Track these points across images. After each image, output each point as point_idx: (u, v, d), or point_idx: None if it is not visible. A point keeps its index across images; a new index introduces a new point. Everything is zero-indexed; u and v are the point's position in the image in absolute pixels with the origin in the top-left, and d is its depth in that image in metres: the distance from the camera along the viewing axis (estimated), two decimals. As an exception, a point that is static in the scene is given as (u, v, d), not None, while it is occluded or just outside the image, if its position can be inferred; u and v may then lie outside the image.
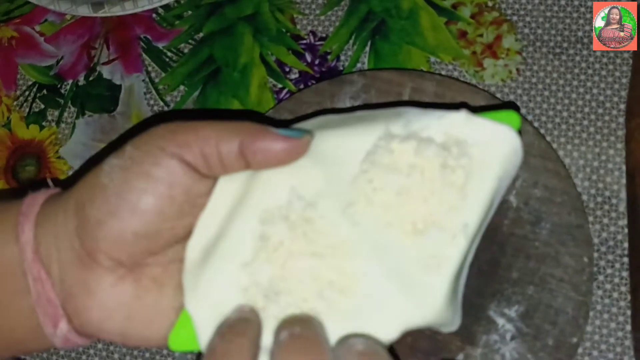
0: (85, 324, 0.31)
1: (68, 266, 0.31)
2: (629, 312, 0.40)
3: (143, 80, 0.52)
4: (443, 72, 0.47)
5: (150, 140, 0.30)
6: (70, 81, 0.54)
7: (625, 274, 0.41)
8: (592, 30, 0.46)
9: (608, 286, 0.41)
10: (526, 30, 0.47)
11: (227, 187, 0.31)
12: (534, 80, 0.46)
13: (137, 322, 0.31)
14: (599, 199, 0.43)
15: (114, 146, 0.33)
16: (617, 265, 0.42)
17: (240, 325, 0.28)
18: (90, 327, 0.31)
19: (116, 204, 0.30)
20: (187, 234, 0.32)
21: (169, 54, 0.53)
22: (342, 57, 0.49)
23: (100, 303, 0.31)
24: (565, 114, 0.45)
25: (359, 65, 0.49)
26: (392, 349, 0.29)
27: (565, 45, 0.46)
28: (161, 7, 0.53)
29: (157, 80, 0.52)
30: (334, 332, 0.27)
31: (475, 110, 0.29)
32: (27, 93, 0.55)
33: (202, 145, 0.29)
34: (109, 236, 0.30)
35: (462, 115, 0.28)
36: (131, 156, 0.30)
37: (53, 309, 0.31)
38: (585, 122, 0.45)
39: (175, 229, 0.31)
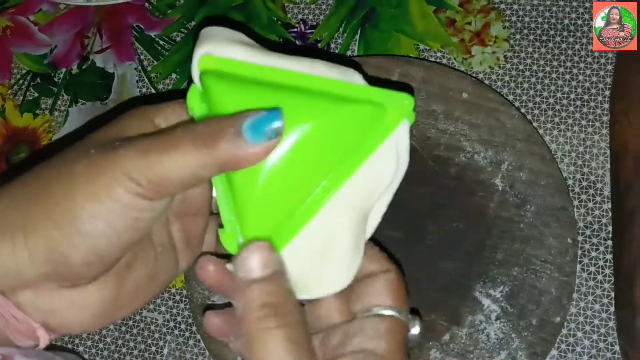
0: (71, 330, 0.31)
1: (41, 290, 0.29)
2: (612, 294, 0.41)
3: (135, 69, 0.53)
4: (432, 60, 0.48)
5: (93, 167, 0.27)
6: (63, 70, 0.54)
7: (609, 256, 0.42)
8: (578, 17, 0.47)
9: (592, 269, 0.42)
10: (514, 18, 0.48)
11: None
12: (521, 67, 0.47)
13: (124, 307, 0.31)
14: (584, 183, 0.44)
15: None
16: (602, 248, 0.42)
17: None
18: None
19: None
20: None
21: (161, 42, 0.53)
22: (332, 45, 0.50)
23: (89, 311, 0.30)
24: (551, 100, 0.46)
25: (348, 53, 0.50)
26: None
27: (552, 32, 0.47)
28: (154, -4, 0.54)
29: (149, 68, 0.53)
30: None
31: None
32: (21, 82, 0.55)
33: (151, 173, 0.27)
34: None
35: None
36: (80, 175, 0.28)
37: (24, 326, 0.29)
38: (571, 109, 0.45)
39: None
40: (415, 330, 0.31)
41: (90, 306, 0.30)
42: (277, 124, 0.27)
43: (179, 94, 0.32)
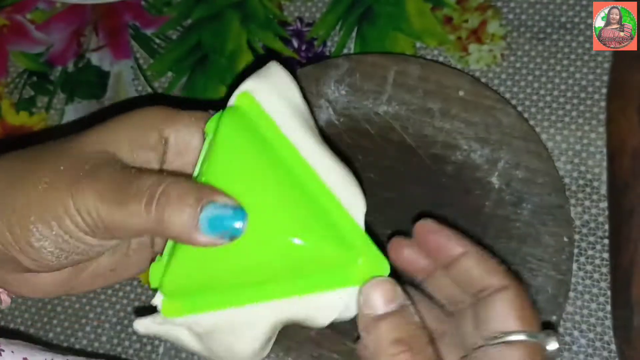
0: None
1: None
2: (609, 293, 0.41)
3: (131, 67, 0.53)
4: (429, 57, 0.48)
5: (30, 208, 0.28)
6: (59, 68, 0.54)
7: (606, 255, 0.42)
8: (575, 15, 0.47)
9: (589, 267, 0.42)
10: (510, 16, 0.48)
11: None
12: (517, 65, 0.47)
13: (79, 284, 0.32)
14: (581, 182, 0.43)
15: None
16: (599, 247, 0.42)
17: None
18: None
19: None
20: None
21: (158, 40, 0.53)
22: (329, 43, 0.50)
23: (41, 290, 0.31)
24: (548, 98, 0.46)
25: (345, 50, 0.49)
26: None
27: (548, 30, 0.47)
28: (150, -6, 0.54)
29: (145, 66, 0.52)
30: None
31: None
32: (17, 80, 0.55)
33: (100, 219, 0.27)
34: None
35: None
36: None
37: None
38: (568, 106, 0.45)
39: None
40: (553, 346, 0.28)
41: (44, 286, 0.31)
42: (236, 228, 0.25)
43: (194, 104, 0.31)
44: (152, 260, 0.31)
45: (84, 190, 0.26)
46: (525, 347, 0.27)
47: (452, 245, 0.30)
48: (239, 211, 0.26)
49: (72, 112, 0.53)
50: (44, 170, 0.28)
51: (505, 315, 0.27)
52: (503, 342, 0.27)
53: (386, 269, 0.27)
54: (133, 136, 0.29)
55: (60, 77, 0.54)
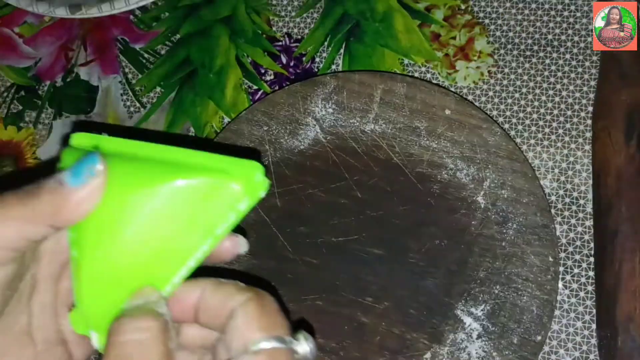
0: None
1: None
2: (594, 311, 0.41)
3: (120, 82, 0.53)
4: (416, 74, 0.48)
5: None
6: (47, 82, 0.54)
7: (591, 273, 0.42)
8: (562, 33, 0.47)
9: (575, 285, 0.42)
10: (498, 33, 0.48)
11: None
12: (505, 82, 0.47)
13: None
14: (567, 200, 0.43)
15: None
16: (584, 265, 0.42)
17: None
18: None
19: None
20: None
21: (146, 55, 0.53)
22: (317, 59, 0.50)
23: None
24: (535, 116, 0.46)
25: (333, 67, 0.49)
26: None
27: (535, 48, 0.47)
28: (138, 9, 0.54)
29: (133, 81, 0.52)
30: None
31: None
32: (5, 94, 0.55)
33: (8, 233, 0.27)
34: None
35: None
36: None
37: None
38: (554, 124, 0.45)
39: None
40: (303, 348, 0.27)
41: None
42: (94, 165, 0.26)
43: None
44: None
45: None
46: (269, 354, 0.26)
47: (186, 293, 0.28)
48: (88, 153, 0.27)
49: (60, 127, 0.53)
50: None
51: (246, 327, 0.26)
52: (248, 353, 0.26)
53: (261, 172, 0.27)
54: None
55: (48, 92, 0.54)
